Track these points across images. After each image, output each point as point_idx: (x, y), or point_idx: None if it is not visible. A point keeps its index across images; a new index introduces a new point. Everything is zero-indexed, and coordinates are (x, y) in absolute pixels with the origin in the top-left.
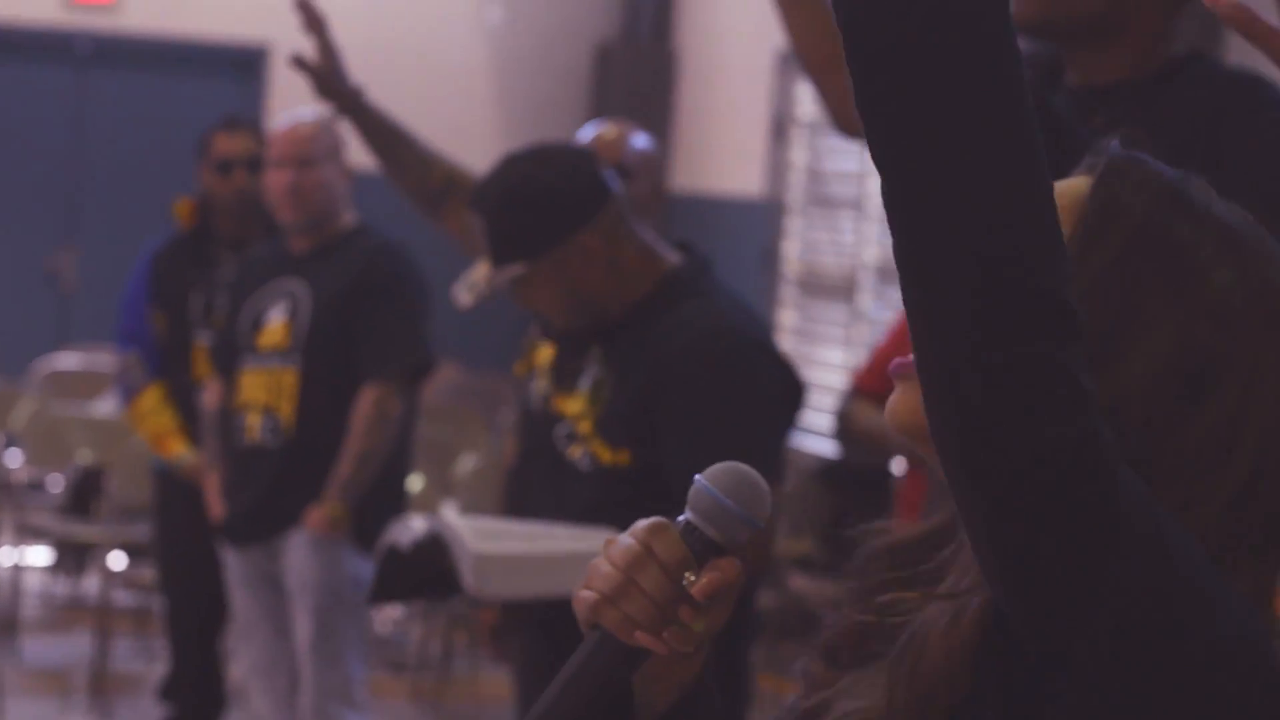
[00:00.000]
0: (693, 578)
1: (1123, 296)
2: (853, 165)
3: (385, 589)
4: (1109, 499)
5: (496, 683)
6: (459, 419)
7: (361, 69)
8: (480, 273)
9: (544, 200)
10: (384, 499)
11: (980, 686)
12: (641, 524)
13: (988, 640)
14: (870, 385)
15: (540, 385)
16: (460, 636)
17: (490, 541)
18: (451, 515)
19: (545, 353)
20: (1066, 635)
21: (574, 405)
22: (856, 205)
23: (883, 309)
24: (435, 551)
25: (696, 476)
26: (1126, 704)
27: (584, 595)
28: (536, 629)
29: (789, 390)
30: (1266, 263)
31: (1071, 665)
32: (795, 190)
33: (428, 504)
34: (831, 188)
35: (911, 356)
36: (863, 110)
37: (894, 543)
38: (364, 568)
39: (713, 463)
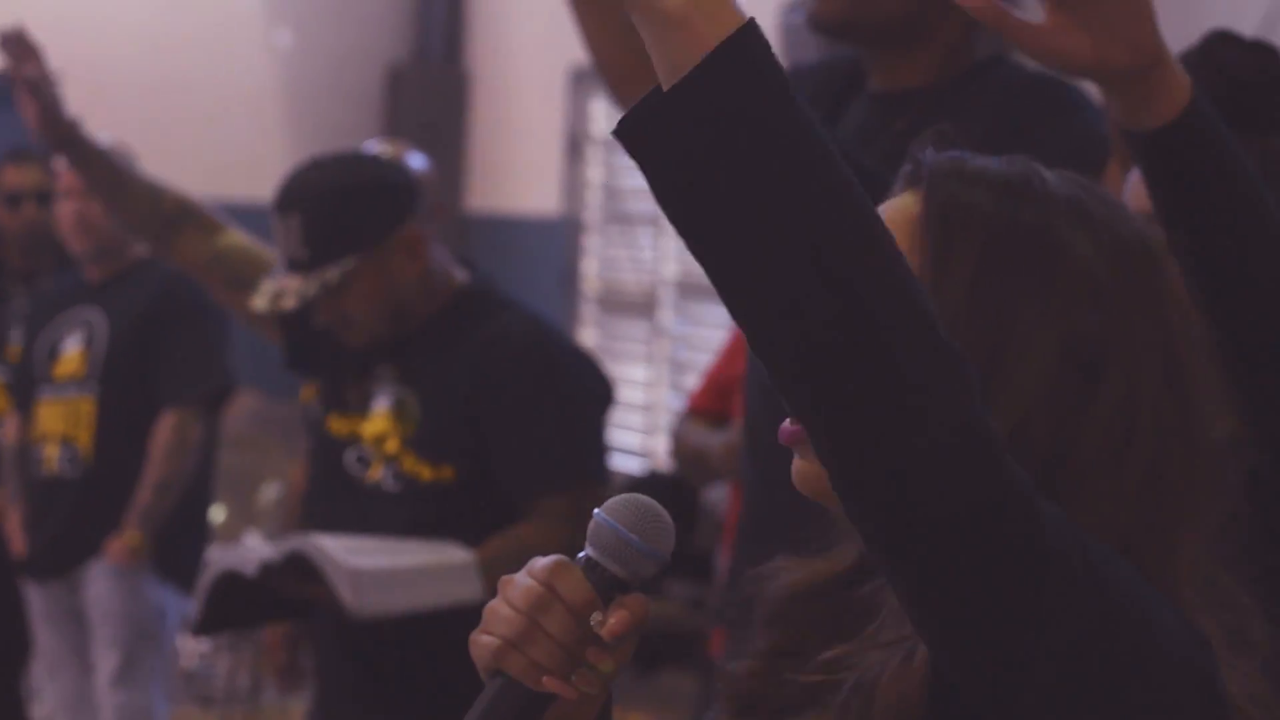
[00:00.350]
0: (600, 618)
1: (997, 302)
2: None
3: (219, 618)
4: (1036, 541)
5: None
6: (260, 447)
7: (151, 95)
8: (289, 281)
9: (371, 190)
10: (186, 527)
11: None
12: (540, 563)
13: (939, 682)
14: (704, 405)
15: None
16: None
17: (360, 557)
18: (318, 537)
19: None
20: (1009, 682)
21: (373, 426)
22: (654, 222)
23: (683, 324)
24: (289, 574)
25: (596, 511)
26: None
27: (483, 640)
28: (335, 653)
29: (607, 392)
30: (1114, 221)
31: (1016, 710)
32: (592, 208)
33: (231, 533)
34: (629, 205)
35: (787, 422)
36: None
37: (801, 586)
38: (167, 597)
39: (549, 467)
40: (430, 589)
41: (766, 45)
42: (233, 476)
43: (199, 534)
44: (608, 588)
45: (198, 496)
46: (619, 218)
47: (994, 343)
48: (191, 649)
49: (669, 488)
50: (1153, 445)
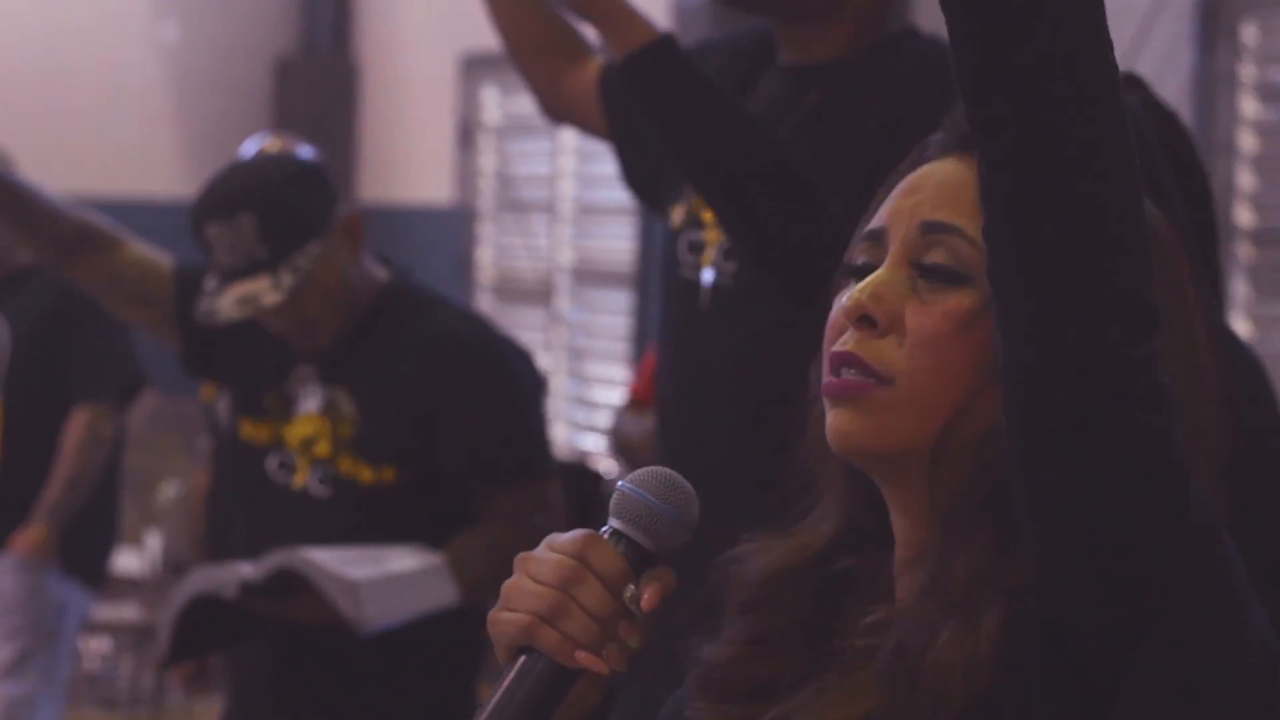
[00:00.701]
0: (633, 591)
1: None
2: (543, 168)
3: (191, 644)
4: (1181, 493)
5: (211, 715)
6: (159, 447)
7: (36, 91)
8: (254, 283)
9: (309, 176)
10: (94, 524)
11: (997, 698)
12: (565, 537)
13: (1016, 649)
14: (640, 394)
15: (227, 405)
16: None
17: (355, 568)
18: (306, 551)
19: None
20: (1127, 631)
21: (298, 429)
22: (548, 208)
23: (580, 311)
24: (273, 592)
25: (620, 482)
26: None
27: (509, 618)
28: (251, 657)
29: (543, 384)
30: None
31: (1123, 664)
32: (486, 196)
33: (132, 533)
34: (522, 192)
35: (839, 376)
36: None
37: (778, 568)
38: (71, 594)
39: (500, 463)
40: (419, 595)
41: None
42: (131, 476)
43: (107, 532)
44: (638, 560)
45: (106, 494)
46: (513, 205)
47: None
48: (94, 651)
49: (570, 474)
50: (1209, 410)
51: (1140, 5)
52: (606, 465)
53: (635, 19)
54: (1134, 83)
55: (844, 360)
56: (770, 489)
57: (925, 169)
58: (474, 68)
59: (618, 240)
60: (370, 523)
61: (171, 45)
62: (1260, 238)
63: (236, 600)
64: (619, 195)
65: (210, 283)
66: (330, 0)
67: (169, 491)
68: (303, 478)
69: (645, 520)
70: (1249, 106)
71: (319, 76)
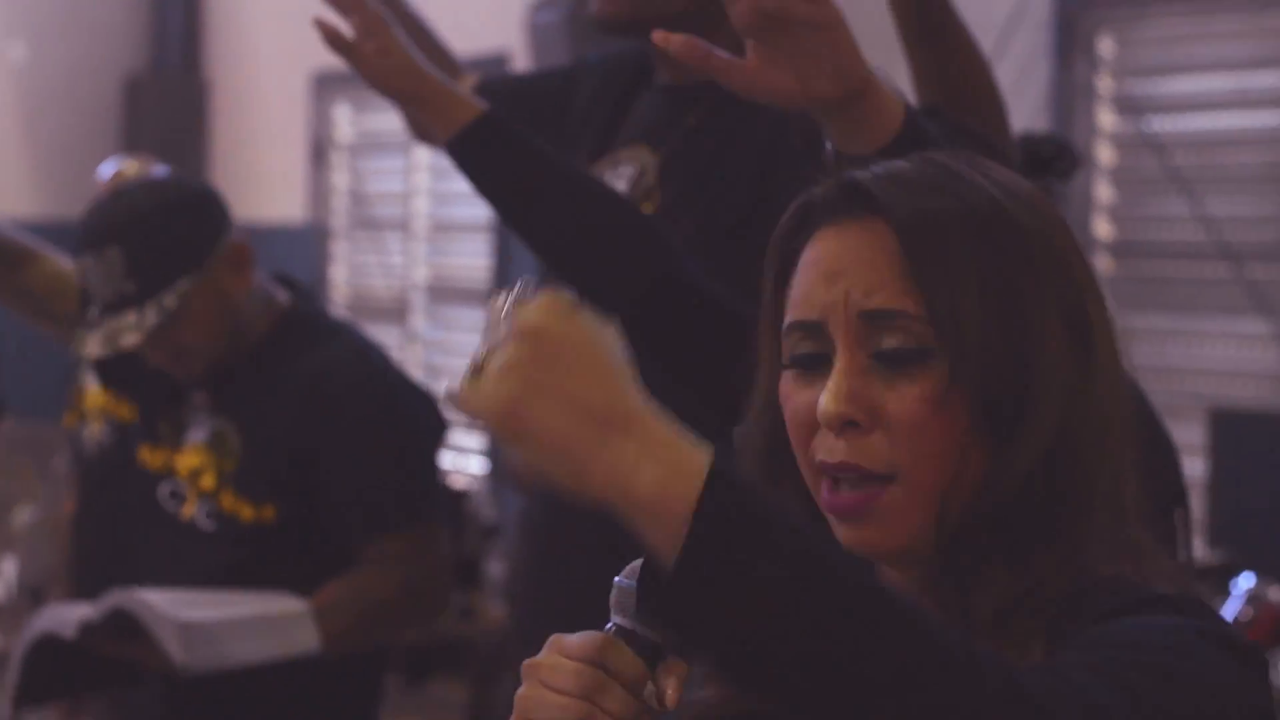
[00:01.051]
0: (653, 689)
1: (1003, 300)
2: (397, 185)
3: (41, 687)
4: None
5: None
6: (11, 470)
7: None
8: (121, 320)
9: (187, 207)
10: None
11: None
12: (575, 642)
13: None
14: None
15: (94, 431)
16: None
17: (189, 610)
18: (142, 592)
19: (95, 399)
20: None
21: (187, 460)
22: (403, 226)
23: (435, 329)
24: (111, 634)
25: (618, 579)
26: None
27: None
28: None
29: (441, 426)
30: (1015, 181)
31: None
32: (339, 214)
33: None
34: (376, 210)
35: (838, 492)
36: None
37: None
38: None
39: (383, 508)
40: (265, 641)
41: (739, 487)
42: None
43: None
44: (647, 654)
45: None
46: (366, 223)
47: (1018, 341)
48: None
49: None
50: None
51: (998, 17)
52: (466, 483)
53: (455, 99)
54: (933, 113)
55: (839, 470)
56: None
57: (830, 244)
58: (326, 85)
59: (473, 257)
60: (254, 560)
61: (19, 64)
62: (1119, 250)
63: (77, 640)
64: (474, 211)
65: (91, 312)
66: (180, 18)
67: (23, 516)
68: (191, 509)
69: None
70: (1106, 119)
71: (169, 95)
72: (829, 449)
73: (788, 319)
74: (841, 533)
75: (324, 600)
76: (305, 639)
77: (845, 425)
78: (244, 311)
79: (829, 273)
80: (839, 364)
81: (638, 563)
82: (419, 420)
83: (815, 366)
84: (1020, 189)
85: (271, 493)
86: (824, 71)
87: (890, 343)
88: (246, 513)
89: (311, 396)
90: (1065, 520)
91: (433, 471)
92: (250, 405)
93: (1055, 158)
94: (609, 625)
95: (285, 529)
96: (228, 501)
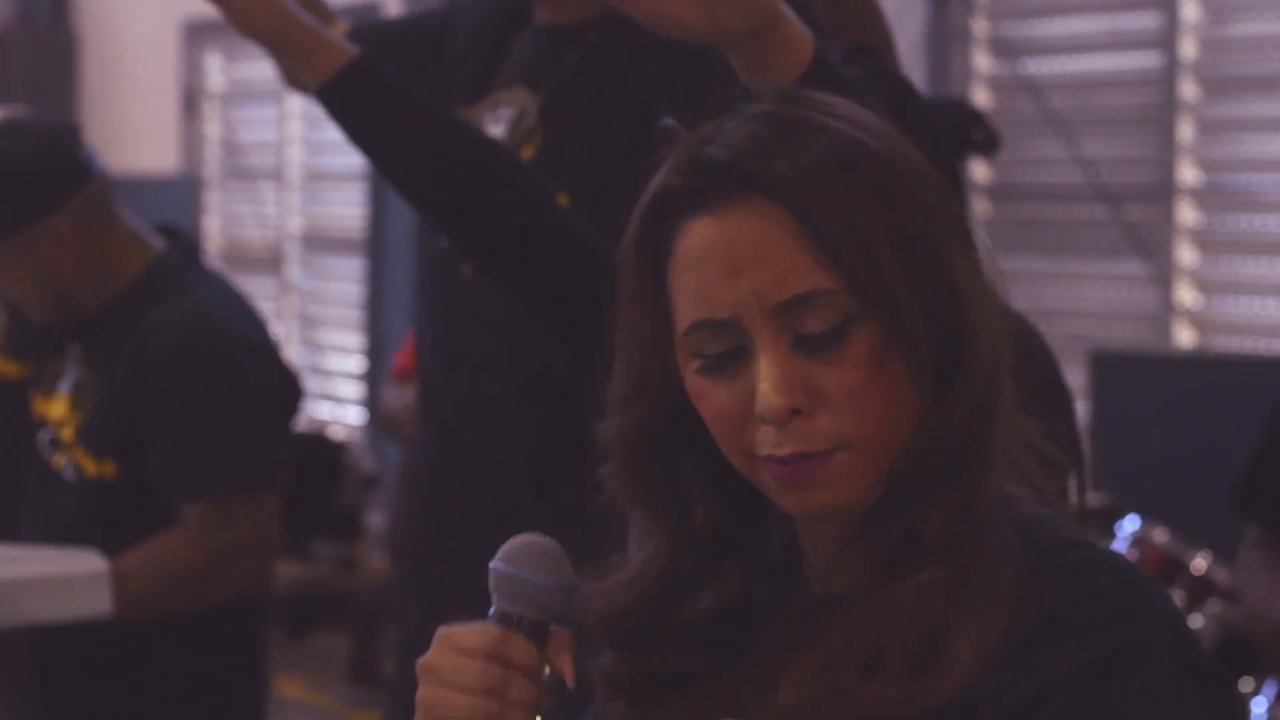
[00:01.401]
0: (549, 670)
1: (929, 265)
2: (270, 135)
3: None
4: None
5: None
6: None
7: None
8: None
9: (11, 179)
10: None
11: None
12: (468, 637)
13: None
14: (405, 367)
15: None
16: None
17: None
18: None
19: None
20: None
21: (56, 409)
22: (276, 175)
23: (311, 279)
24: None
25: (492, 564)
26: None
27: None
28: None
29: (284, 391)
30: (892, 133)
31: None
32: (212, 164)
33: None
34: (249, 159)
35: (788, 465)
36: None
37: (632, 606)
38: None
39: (198, 471)
40: (53, 601)
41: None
42: None
43: None
44: (535, 637)
45: None
46: (240, 173)
47: (936, 279)
48: None
49: (307, 444)
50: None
51: None
52: (345, 434)
53: (325, 44)
54: (863, 52)
55: (791, 460)
56: (538, 461)
57: (714, 233)
58: (196, 34)
59: (348, 206)
60: (101, 515)
61: None
62: (996, 193)
63: None
64: (349, 160)
65: None
66: None
67: None
68: (62, 459)
69: (532, 596)
70: (982, 62)
71: (37, 47)
72: (775, 442)
73: (690, 318)
74: (789, 499)
75: (125, 564)
76: (97, 601)
77: (791, 414)
78: (75, 281)
79: (728, 267)
80: (766, 356)
81: (511, 546)
82: (252, 385)
83: (730, 360)
84: (868, 121)
85: (111, 449)
86: (732, 3)
87: (813, 325)
88: (90, 467)
89: (140, 354)
90: (984, 436)
91: (264, 439)
92: (106, 358)
93: (980, 137)
94: (491, 611)
95: (126, 486)
96: (78, 455)
